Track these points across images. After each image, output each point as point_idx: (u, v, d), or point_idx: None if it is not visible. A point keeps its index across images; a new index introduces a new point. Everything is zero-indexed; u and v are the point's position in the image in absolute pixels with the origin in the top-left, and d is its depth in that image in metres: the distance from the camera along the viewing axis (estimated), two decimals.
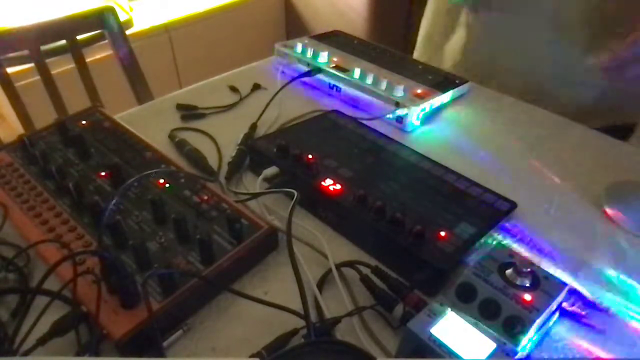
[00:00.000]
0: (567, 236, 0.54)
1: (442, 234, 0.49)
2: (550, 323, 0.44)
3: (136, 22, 1.73)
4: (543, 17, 0.78)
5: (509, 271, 0.42)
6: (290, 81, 0.77)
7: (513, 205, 0.54)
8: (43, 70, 1.05)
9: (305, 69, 0.80)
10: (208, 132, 0.69)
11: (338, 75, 0.77)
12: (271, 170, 0.57)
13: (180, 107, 0.75)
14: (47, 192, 0.53)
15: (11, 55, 1.02)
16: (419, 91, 0.73)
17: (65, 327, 0.40)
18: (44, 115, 0.84)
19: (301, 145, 0.59)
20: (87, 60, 1.11)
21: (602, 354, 0.43)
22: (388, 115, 0.71)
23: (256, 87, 0.81)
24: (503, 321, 0.39)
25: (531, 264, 0.41)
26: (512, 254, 0.43)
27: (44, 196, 0.53)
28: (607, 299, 0.48)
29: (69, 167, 0.57)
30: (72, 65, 1.10)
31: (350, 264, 0.48)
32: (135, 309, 0.41)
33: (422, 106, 0.70)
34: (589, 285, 0.49)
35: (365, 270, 0.47)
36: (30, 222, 0.50)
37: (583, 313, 0.46)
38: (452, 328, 0.38)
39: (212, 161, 0.63)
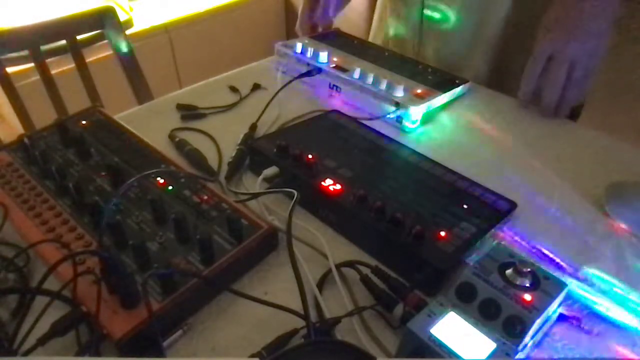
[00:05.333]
0: (567, 236, 0.54)
1: (442, 234, 0.49)
2: (550, 323, 0.44)
3: (136, 22, 1.73)
4: None
5: (509, 271, 0.42)
6: (290, 81, 0.77)
7: (513, 205, 0.54)
8: (43, 70, 1.05)
9: (305, 69, 0.80)
10: (208, 132, 0.69)
11: (338, 75, 0.77)
12: (271, 170, 0.57)
13: (180, 107, 0.75)
14: (47, 192, 0.53)
15: (11, 55, 1.02)
16: (419, 91, 0.73)
17: (65, 327, 0.40)
18: (44, 115, 0.85)
19: (301, 145, 0.59)
20: (87, 60, 1.11)
21: (602, 354, 0.43)
22: (388, 115, 0.71)
23: (256, 87, 0.81)
24: (503, 321, 0.39)
25: (531, 264, 0.41)
26: (512, 254, 0.43)
27: (44, 196, 0.53)
28: (607, 299, 0.48)
29: (69, 167, 0.57)
30: (72, 65, 1.10)
31: (350, 264, 0.48)
32: (135, 309, 0.41)
33: (422, 106, 0.70)
34: (588, 285, 0.49)
35: (365, 270, 0.47)
36: (30, 222, 0.50)
37: (580, 317, 0.46)
38: (452, 328, 0.38)
39: (212, 161, 0.63)
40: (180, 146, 0.65)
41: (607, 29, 0.70)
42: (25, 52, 1.02)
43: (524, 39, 0.79)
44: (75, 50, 1.08)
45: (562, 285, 0.41)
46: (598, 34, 0.69)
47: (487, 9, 0.83)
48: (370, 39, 1.04)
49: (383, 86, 0.72)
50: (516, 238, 0.54)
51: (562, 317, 0.45)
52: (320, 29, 0.94)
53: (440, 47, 0.90)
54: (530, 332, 0.38)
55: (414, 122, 0.71)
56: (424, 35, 0.91)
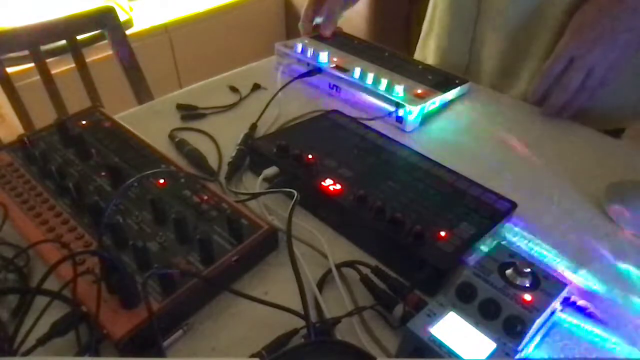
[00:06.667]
0: (567, 236, 0.54)
1: (442, 234, 0.49)
2: (551, 323, 0.44)
3: (136, 22, 1.73)
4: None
5: (509, 271, 0.42)
6: (290, 81, 0.77)
7: (513, 205, 0.54)
8: (43, 70, 1.05)
9: (305, 69, 0.80)
10: (208, 132, 0.69)
11: (338, 75, 0.77)
12: (271, 170, 0.57)
13: (180, 107, 0.75)
14: (47, 192, 0.53)
15: (11, 55, 1.02)
16: (419, 91, 0.73)
17: (65, 327, 0.40)
18: (44, 115, 0.85)
19: (301, 145, 0.59)
20: (87, 60, 1.11)
21: (602, 354, 0.43)
22: (388, 116, 0.71)
23: (256, 87, 0.81)
24: (503, 321, 0.39)
25: (531, 264, 0.42)
26: (512, 254, 0.43)
27: (44, 196, 0.53)
28: (607, 298, 0.48)
29: (69, 167, 0.57)
30: (72, 65, 1.10)
31: (350, 264, 0.48)
32: (135, 309, 0.41)
33: (422, 106, 0.70)
34: (588, 286, 0.49)
35: (365, 270, 0.47)
36: (30, 222, 0.50)
37: (580, 317, 0.46)
38: (452, 328, 0.39)
39: (212, 161, 0.63)
40: (180, 146, 0.65)
41: (635, 44, 0.68)
42: (25, 52, 1.02)
43: None
44: (75, 50, 1.08)
45: (562, 285, 0.42)
46: (625, 46, 0.68)
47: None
48: (415, 56, 1.03)
49: (383, 86, 0.72)
50: (516, 238, 0.54)
51: (562, 316, 0.45)
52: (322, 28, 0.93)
53: (493, 62, 0.87)
54: (530, 332, 0.38)
55: (414, 122, 0.71)
56: (476, 51, 0.89)
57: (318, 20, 0.91)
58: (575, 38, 0.70)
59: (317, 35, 0.90)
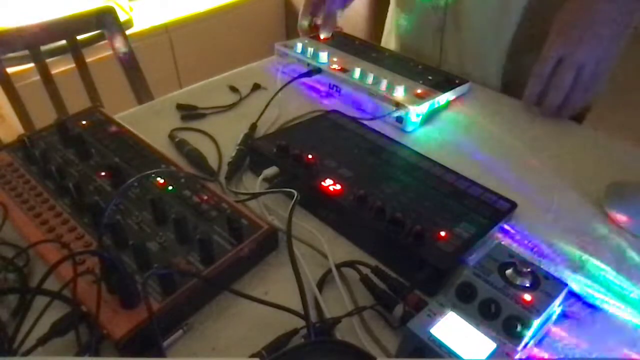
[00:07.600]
0: (567, 236, 0.54)
1: (442, 234, 0.49)
2: (551, 323, 0.44)
3: (136, 22, 1.73)
4: None
5: (509, 271, 0.42)
6: (290, 81, 0.77)
7: (513, 205, 0.54)
8: (43, 70, 1.05)
9: (305, 69, 0.80)
10: (208, 132, 0.69)
11: (338, 76, 0.77)
12: (271, 170, 0.57)
13: (180, 107, 0.75)
14: (47, 192, 0.53)
15: (11, 55, 1.02)
16: (419, 91, 0.73)
17: (65, 327, 0.40)
18: (44, 115, 0.85)
19: (301, 145, 0.59)
20: (87, 60, 1.11)
21: (602, 354, 0.43)
22: (388, 115, 0.71)
23: (256, 87, 0.81)
24: (503, 321, 0.39)
25: (531, 264, 0.41)
26: (512, 254, 0.43)
27: (44, 196, 0.53)
28: (607, 298, 0.48)
29: (69, 167, 0.57)
30: (72, 65, 1.10)
31: (350, 264, 0.48)
32: (135, 309, 0.41)
33: (422, 106, 0.70)
34: (588, 286, 0.49)
35: (365, 270, 0.47)
36: (30, 222, 0.50)
37: (581, 317, 0.46)
38: (452, 328, 0.39)
39: (212, 161, 0.63)
40: (180, 146, 0.65)
41: (620, 34, 0.68)
42: (25, 52, 1.02)
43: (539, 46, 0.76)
44: (75, 50, 1.08)
45: (562, 285, 0.42)
46: (610, 38, 0.68)
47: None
48: (382, 44, 1.03)
49: (383, 86, 0.72)
50: (516, 238, 0.54)
51: (562, 317, 0.45)
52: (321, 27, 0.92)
53: (461, 50, 0.88)
54: (530, 332, 0.38)
55: (414, 122, 0.71)
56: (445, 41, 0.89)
57: (317, 20, 0.90)
58: (560, 38, 0.70)
59: (317, 35, 0.90)
